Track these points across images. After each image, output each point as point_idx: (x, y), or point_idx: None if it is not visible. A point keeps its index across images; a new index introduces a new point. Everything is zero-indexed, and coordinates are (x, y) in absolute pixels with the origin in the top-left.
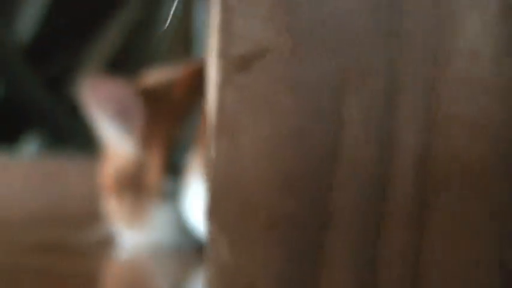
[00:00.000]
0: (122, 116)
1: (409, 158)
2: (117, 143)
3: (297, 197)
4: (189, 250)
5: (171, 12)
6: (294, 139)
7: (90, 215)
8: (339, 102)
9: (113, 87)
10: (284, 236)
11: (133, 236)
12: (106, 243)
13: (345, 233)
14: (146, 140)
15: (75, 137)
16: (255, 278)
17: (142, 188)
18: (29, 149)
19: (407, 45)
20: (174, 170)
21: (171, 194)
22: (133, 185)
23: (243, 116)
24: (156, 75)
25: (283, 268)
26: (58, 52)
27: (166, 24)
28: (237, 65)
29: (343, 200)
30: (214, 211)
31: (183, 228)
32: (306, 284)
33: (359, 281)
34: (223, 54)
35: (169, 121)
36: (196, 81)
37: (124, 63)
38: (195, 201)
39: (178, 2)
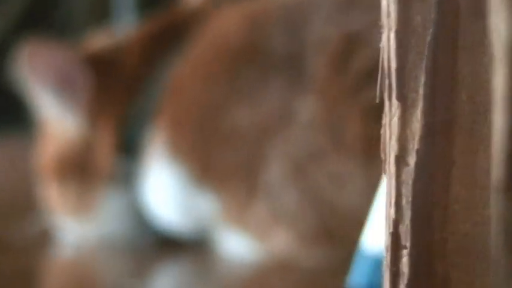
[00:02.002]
0: (64, 86)
1: None
2: (60, 118)
3: None
4: (146, 244)
5: None
6: None
7: (23, 204)
8: None
9: (53, 53)
10: None
11: (78, 228)
12: (45, 237)
13: None
14: (94, 114)
15: None
16: None
17: (89, 170)
18: None
19: None
20: (128, 149)
21: (125, 178)
22: (79, 168)
23: None
24: (103, 39)
25: None
26: None
27: None
28: None
29: None
30: None
31: (139, 219)
32: None
33: None
34: None
35: (121, 92)
36: (153, 46)
37: (34, 28)
38: (155, 186)
39: None
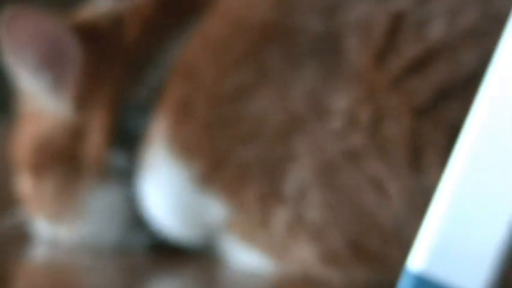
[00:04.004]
0: (50, 59)
1: None
2: (43, 100)
3: None
4: (140, 251)
5: None
6: None
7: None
8: None
9: (37, 20)
10: None
11: (60, 229)
12: (19, 237)
13: None
14: (85, 95)
15: None
16: None
17: (75, 163)
18: None
19: None
20: (124, 139)
21: (120, 172)
22: (62, 159)
23: None
24: (97, 7)
25: None
26: None
27: None
28: None
29: None
30: None
31: (133, 221)
32: None
33: None
34: None
35: (118, 70)
36: (160, 18)
37: None
38: (154, 186)
39: None
